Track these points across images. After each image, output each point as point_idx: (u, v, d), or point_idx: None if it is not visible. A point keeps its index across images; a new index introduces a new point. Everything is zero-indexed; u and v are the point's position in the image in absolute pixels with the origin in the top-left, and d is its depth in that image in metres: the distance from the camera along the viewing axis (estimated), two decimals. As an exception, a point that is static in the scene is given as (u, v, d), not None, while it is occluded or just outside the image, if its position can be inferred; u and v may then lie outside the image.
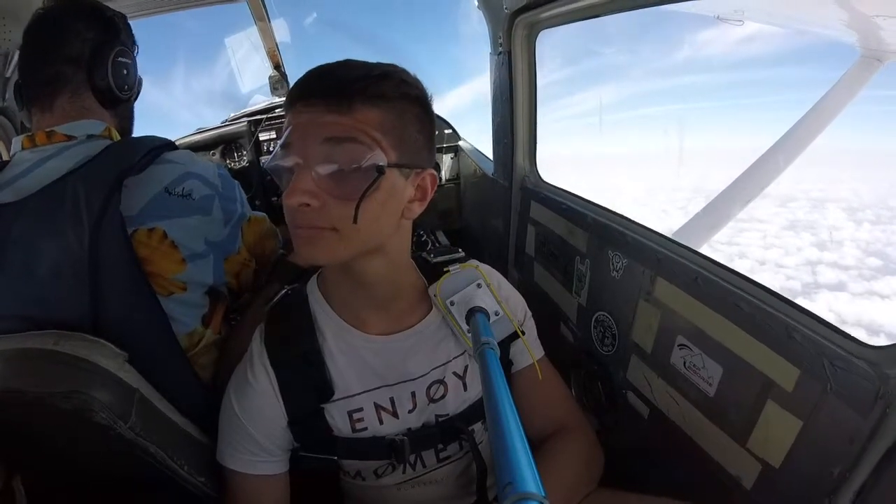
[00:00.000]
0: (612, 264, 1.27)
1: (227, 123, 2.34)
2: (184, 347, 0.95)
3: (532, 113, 1.71)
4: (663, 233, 1.16)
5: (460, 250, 0.99)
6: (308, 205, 0.68)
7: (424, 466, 0.93)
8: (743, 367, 0.89)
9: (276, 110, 2.34)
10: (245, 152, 2.29)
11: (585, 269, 1.41)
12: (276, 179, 0.74)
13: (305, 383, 0.85)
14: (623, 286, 1.23)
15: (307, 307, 0.89)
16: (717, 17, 1.44)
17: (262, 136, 2.29)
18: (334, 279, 0.87)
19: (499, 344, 0.78)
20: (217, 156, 2.24)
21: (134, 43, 1.10)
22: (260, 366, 0.85)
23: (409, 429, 0.89)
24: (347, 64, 0.72)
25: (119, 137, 1.02)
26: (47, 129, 0.95)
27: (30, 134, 0.96)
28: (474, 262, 0.93)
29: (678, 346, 1.04)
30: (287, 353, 0.86)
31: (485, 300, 0.88)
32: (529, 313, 1.03)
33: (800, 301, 0.85)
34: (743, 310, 0.89)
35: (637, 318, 1.18)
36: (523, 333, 0.93)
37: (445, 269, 0.90)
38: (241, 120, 2.31)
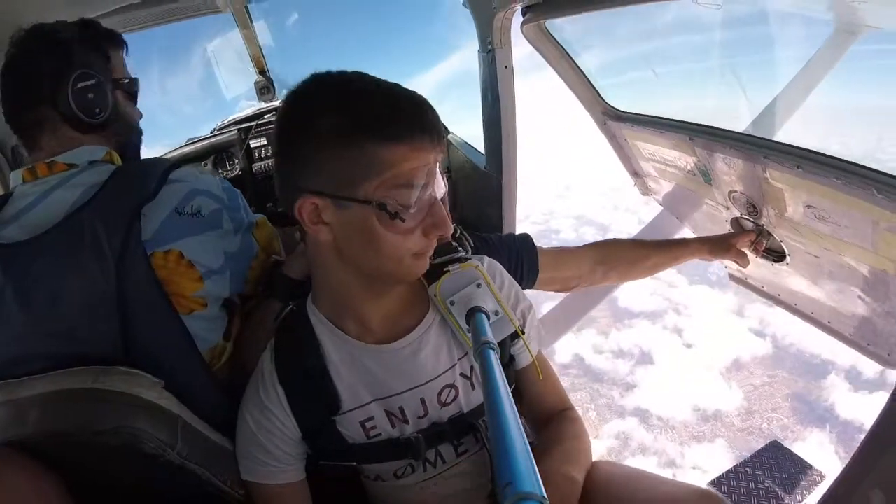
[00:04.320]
0: None
1: (216, 133, 2.33)
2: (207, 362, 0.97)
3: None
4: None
5: (460, 249, 1.00)
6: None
7: (444, 462, 0.95)
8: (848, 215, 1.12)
9: (266, 116, 2.33)
10: (237, 161, 2.28)
11: None
12: (390, 214, 0.75)
13: (314, 398, 0.89)
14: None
15: (309, 324, 0.92)
16: (696, 1, 1.44)
17: (253, 143, 2.28)
18: (349, 288, 0.88)
19: (500, 343, 0.82)
20: (209, 166, 2.24)
21: (100, 53, 1.05)
22: (270, 383, 0.89)
23: (422, 429, 0.92)
24: (416, 95, 0.78)
25: (120, 160, 1.02)
26: (48, 161, 0.94)
27: (30, 167, 0.95)
28: (474, 261, 0.94)
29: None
30: (294, 370, 0.89)
31: (485, 300, 0.89)
32: (531, 305, 1.04)
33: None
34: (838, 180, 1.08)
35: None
36: (523, 333, 0.95)
37: (445, 269, 0.91)
38: (231, 128, 2.30)
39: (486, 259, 1.00)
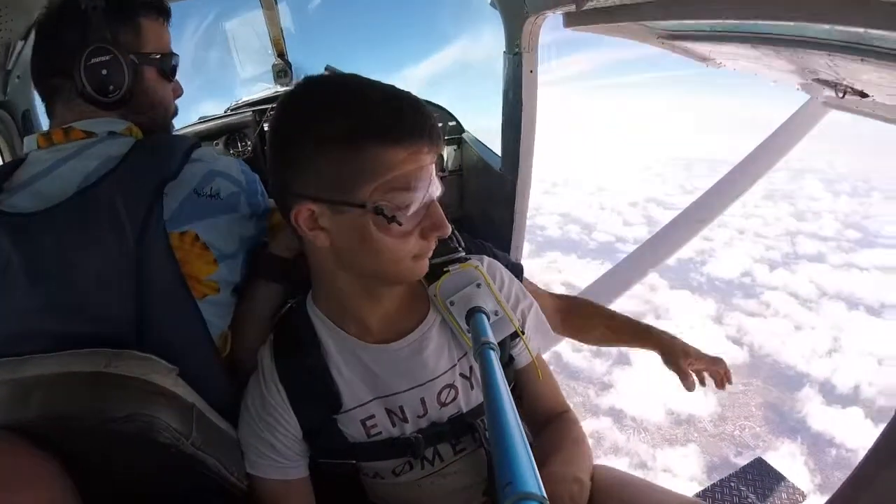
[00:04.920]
0: None
1: (230, 113, 2.30)
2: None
3: None
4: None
5: (460, 249, 0.99)
6: None
7: (442, 461, 0.97)
8: None
9: None
10: (249, 142, 2.26)
11: None
12: (387, 217, 0.74)
13: (315, 397, 0.89)
14: None
15: (309, 323, 0.92)
16: (705, 60, 1.50)
17: (267, 126, 2.25)
18: (349, 291, 0.87)
19: (500, 343, 0.83)
20: (221, 146, 2.21)
21: (132, 25, 0.98)
22: (271, 382, 0.90)
23: (422, 428, 0.93)
24: (415, 98, 0.77)
25: (141, 134, 0.97)
26: (65, 127, 0.91)
27: (45, 132, 0.92)
28: (474, 261, 0.95)
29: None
30: (295, 369, 0.90)
31: (485, 300, 0.90)
32: (533, 303, 1.04)
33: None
34: None
35: None
36: (523, 333, 0.96)
37: (445, 269, 0.92)
38: (246, 110, 2.27)
39: (486, 259, 1.00)
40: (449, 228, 0.79)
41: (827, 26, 1.01)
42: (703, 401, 17.24)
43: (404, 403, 0.92)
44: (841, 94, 1.71)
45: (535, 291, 1.28)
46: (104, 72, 0.93)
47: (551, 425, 1.01)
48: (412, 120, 0.74)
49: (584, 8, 1.28)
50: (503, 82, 1.80)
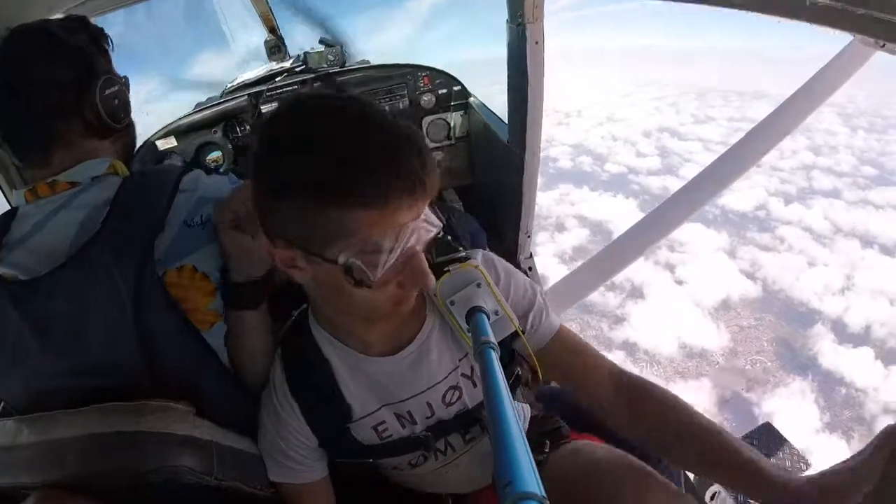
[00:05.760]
0: None
1: (226, 98, 2.24)
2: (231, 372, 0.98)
3: None
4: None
5: (461, 250, 0.98)
6: None
7: (454, 450, 1.01)
8: None
9: (277, 79, 2.24)
10: (248, 127, 2.21)
11: None
12: (355, 280, 0.71)
13: (326, 409, 0.92)
14: None
15: (312, 338, 0.93)
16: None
17: (265, 109, 2.19)
18: (341, 318, 0.89)
19: (500, 342, 0.82)
20: (219, 133, 2.17)
21: (108, 47, 1.01)
22: (283, 396, 0.92)
23: (430, 426, 0.97)
24: (398, 140, 0.68)
25: (125, 169, 0.98)
26: (49, 181, 0.91)
27: (31, 187, 0.92)
28: (474, 261, 0.94)
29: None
30: (305, 385, 0.92)
31: (485, 300, 0.90)
32: (538, 289, 1.02)
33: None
34: None
35: None
36: (523, 333, 0.96)
37: (445, 269, 0.91)
38: (241, 94, 2.21)
39: (480, 252, 0.98)
40: (431, 281, 0.75)
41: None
42: (715, 335, 17.52)
43: (412, 408, 0.94)
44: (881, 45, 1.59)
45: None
46: (116, 102, 0.96)
47: (637, 401, 0.93)
48: (388, 175, 0.65)
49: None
50: (507, 53, 1.70)
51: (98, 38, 1.00)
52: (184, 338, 0.89)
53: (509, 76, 1.74)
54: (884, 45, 1.56)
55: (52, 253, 0.86)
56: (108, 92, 0.94)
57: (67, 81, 0.91)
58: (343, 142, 0.66)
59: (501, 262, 1.00)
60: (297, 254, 0.73)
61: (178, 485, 0.80)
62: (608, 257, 2.66)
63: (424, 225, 0.72)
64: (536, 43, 1.56)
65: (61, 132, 0.93)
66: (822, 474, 0.76)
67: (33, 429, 0.80)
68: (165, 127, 2.16)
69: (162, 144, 2.11)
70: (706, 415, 0.89)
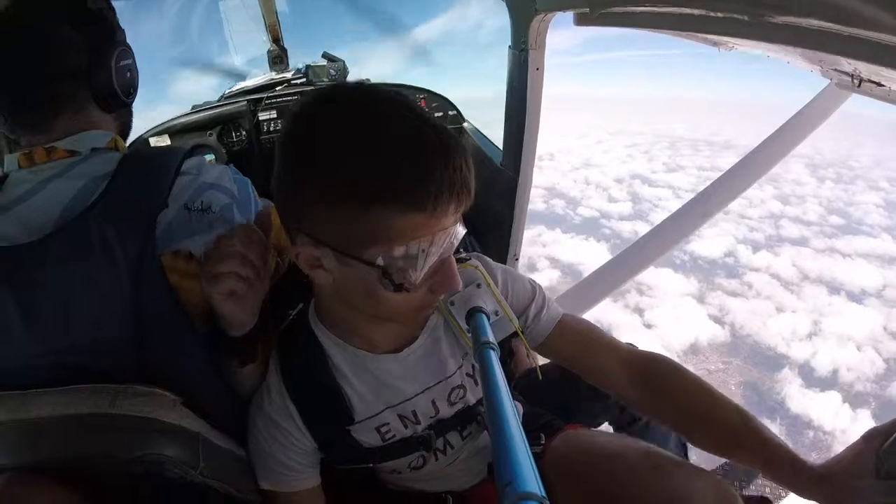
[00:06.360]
0: None
1: (224, 102, 2.23)
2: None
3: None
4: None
5: (461, 250, 0.97)
6: None
7: (453, 448, 0.99)
8: None
9: (277, 88, 2.25)
10: (244, 132, 2.21)
11: None
12: (394, 284, 0.69)
13: (327, 412, 0.89)
14: None
15: (314, 337, 0.90)
16: (716, 45, 1.48)
17: (262, 116, 2.20)
18: (352, 318, 0.86)
19: (500, 343, 0.82)
20: (214, 136, 2.15)
21: (119, 25, 0.97)
22: (279, 399, 0.88)
23: (431, 425, 0.95)
24: (449, 146, 0.65)
25: (125, 146, 0.95)
26: (47, 146, 0.86)
27: (27, 151, 0.86)
28: (474, 261, 0.94)
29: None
30: (305, 387, 0.88)
31: (485, 300, 0.90)
32: (538, 287, 1.02)
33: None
34: None
35: None
36: (523, 333, 0.95)
37: None
38: (240, 98, 2.21)
39: (478, 255, 0.99)
40: (460, 284, 0.74)
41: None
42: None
43: (416, 408, 0.92)
44: (857, 84, 1.68)
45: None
46: (128, 74, 0.93)
47: (665, 384, 0.94)
48: (440, 179, 0.62)
49: (600, 12, 1.26)
50: (507, 78, 1.77)
51: (110, 6, 0.96)
52: (179, 327, 0.84)
53: (508, 100, 1.80)
54: (860, 85, 1.66)
55: (42, 222, 0.79)
56: (122, 63, 0.91)
57: (84, 42, 0.87)
58: (389, 136, 0.63)
59: (500, 264, 1.01)
60: (326, 253, 0.69)
61: (161, 480, 0.75)
62: (575, 296, 2.65)
63: (460, 230, 0.72)
64: (537, 69, 1.64)
65: (71, 96, 0.88)
66: (836, 460, 0.80)
67: (4, 407, 0.72)
68: (161, 125, 2.14)
69: (155, 142, 2.09)
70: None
